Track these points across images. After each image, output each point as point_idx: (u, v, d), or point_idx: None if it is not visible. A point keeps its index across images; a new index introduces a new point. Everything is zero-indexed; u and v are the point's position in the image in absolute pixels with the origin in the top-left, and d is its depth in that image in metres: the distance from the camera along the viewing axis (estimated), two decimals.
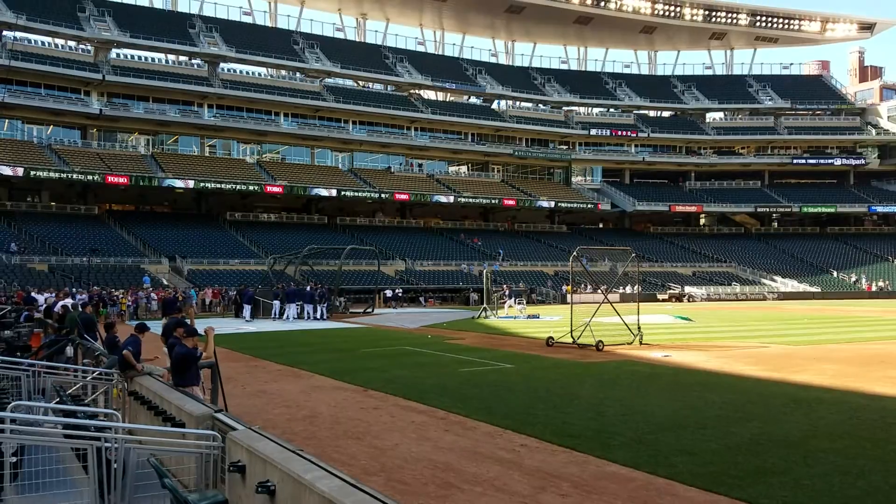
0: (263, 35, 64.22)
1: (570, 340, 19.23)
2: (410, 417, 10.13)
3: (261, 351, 19.08)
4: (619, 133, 72.50)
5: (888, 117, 75.69)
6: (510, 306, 35.54)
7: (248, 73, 61.36)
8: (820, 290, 58.04)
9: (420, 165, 67.45)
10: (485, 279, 36.41)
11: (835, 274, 63.07)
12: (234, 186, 53.02)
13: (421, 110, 65.15)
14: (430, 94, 70.28)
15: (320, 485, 4.09)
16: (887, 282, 59.94)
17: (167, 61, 58.17)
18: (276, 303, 32.54)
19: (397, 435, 9.02)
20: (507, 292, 36.04)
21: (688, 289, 55.36)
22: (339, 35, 70.88)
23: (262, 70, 62.26)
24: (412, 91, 68.38)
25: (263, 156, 60.93)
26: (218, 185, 52.58)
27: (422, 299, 48.49)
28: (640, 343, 19.55)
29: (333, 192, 56.25)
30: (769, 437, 8.75)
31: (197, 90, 55.77)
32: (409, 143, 64.55)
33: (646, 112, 76.72)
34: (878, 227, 74.72)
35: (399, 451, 8.24)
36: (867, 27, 79.42)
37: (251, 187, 53.85)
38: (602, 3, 71.73)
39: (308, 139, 61.11)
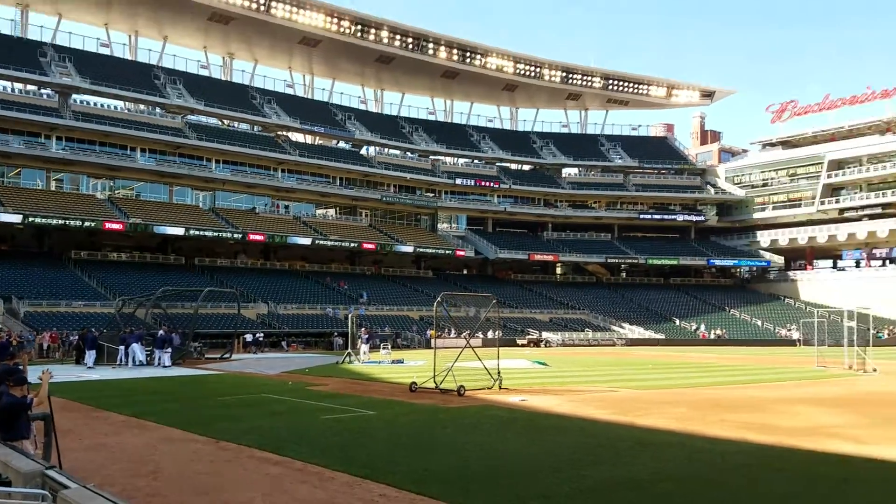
0: (122, 68, 61.44)
1: (433, 385, 19.36)
2: (265, 469, 9.73)
3: (103, 400, 17.69)
4: (483, 183, 75.03)
5: (725, 178, 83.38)
6: (366, 352, 34.81)
7: (103, 105, 58.25)
8: (664, 337, 62.09)
9: (287, 207, 66.28)
10: (350, 323, 35.98)
11: (677, 322, 67.80)
12: (69, 222, 49.27)
13: (289, 152, 64.34)
14: (298, 137, 69.65)
15: None
16: (724, 330, 65.11)
17: (13, 90, 54.15)
18: (122, 348, 30.48)
19: (250, 489, 8.63)
20: (364, 336, 35.61)
21: (545, 334, 57.47)
22: (205, 72, 69.09)
23: (120, 104, 59.35)
24: (280, 133, 67.52)
25: (116, 192, 57.63)
26: (61, 222, 48.97)
27: (284, 344, 47.16)
28: (500, 388, 19.98)
29: (181, 231, 53.70)
30: (618, 480, 9.15)
31: (45, 121, 52.10)
32: (276, 185, 63.41)
33: (508, 165, 79.98)
34: (715, 280, 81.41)
35: None
36: (708, 95, 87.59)
37: (87, 224, 50.18)
38: (467, 60, 74.66)
39: (167, 176, 58.52)
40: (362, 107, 78.50)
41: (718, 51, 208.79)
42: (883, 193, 70.18)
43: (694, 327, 66.13)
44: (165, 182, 59.33)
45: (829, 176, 74.00)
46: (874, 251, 72.44)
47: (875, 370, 28.42)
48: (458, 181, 73.79)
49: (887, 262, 71.89)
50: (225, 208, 61.56)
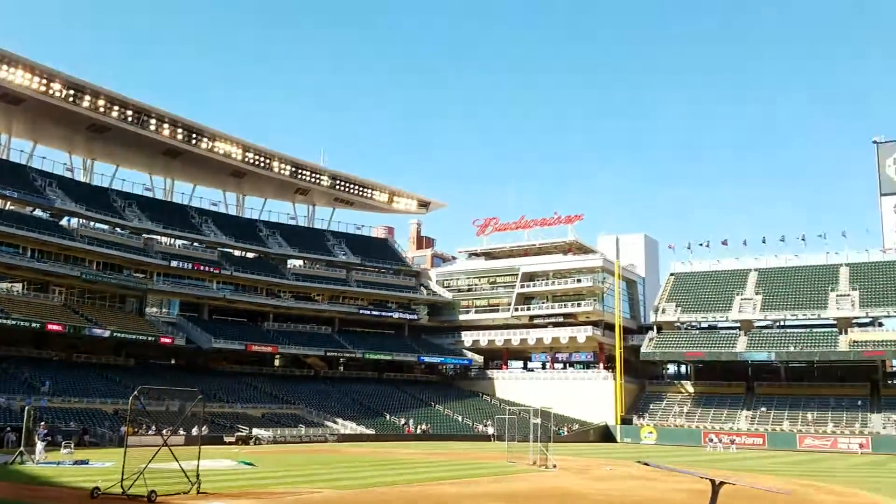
0: None
1: (121, 491, 17.54)
2: None
3: None
4: (202, 268, 71.69)
5: (437, 281, 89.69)
6: (41, 450, 30.57)
7: None
8: (374, 433, 63.16)
9: None
10: (26, 417, 31.43)
11: (388, 417, 69.62)
12: None
13: None
14: None
15: None
16: (429, 425, 68.18)
17: None
18: None
19: None
20: (42, 432, 31.47)
21: (256, 431, 55.19)
22: None
23: None
24: None
25: None
26: None
27: None
28: (198, 492, 18.77)
29: None
30: None
31: None
32: None
33: (231, 251, 77.71)
34: (425, 375, 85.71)
35: None
36: (424, 204, 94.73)
37: None
38: (193, 141, 72.28)
39: None
40: (67, 174, 71.36)
41: (436, 165, 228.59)
42: (565, 305, 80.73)
43: (402, 422, 68.36)
44: None
45: (522, 286, 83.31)
46: (557, 355, 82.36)
47: (555, 466, 31.81)
48: (174, 263, 69.56)
49: (567, 365, 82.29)
50: None
